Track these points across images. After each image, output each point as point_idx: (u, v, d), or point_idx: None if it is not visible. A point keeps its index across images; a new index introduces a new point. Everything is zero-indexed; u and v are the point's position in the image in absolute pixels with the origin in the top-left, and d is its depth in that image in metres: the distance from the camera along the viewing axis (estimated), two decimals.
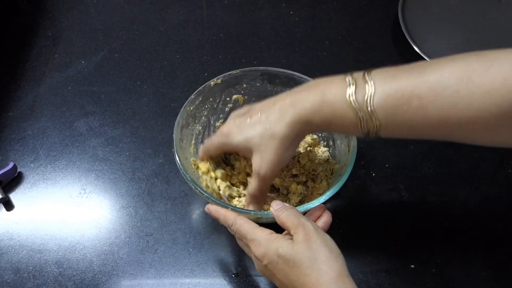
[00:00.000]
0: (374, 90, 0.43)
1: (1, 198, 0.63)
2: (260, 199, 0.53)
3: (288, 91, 0.51)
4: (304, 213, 0.50)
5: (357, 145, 0.56)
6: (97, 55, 0.81)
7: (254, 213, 0.51)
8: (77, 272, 0.59)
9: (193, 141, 0.62)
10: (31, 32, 0.84)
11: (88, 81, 0.77)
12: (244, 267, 0.59)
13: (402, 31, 0.79)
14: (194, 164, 0.59)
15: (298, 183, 0.60)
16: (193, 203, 0.64)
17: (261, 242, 0.45)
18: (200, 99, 0.61)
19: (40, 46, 0.82)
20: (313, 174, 0.61)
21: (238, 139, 0.51)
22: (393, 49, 0.81)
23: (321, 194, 0.57)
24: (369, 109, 0.43)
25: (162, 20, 0.86)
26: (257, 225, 0.47)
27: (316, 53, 0.81)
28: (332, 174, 0.61)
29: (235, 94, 0.65)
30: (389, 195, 0.65)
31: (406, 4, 0.83)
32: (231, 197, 0.58)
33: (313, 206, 0.51)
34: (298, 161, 0.61)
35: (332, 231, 0.48)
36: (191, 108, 0.60)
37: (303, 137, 0.53)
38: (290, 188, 0.60)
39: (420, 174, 0.67)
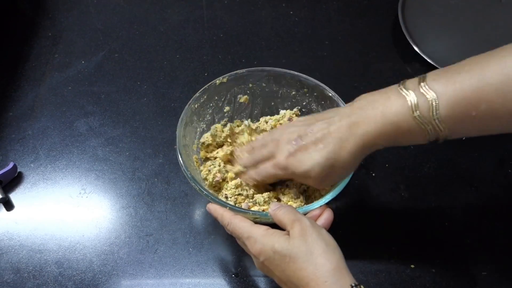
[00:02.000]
0: (437, 101, 0.42)
1: (1, 198, 0.63)
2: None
3: (338, 110, 0.50)
4: (305, 214, 0.50)
5: None
6: (97, 55, 0.81)
7: (252, 213, 0.51)
8: (77, 272, 0.59)
9: (196, 139, 0.62)
10: (31, 32, 0.84)
11: (88, 81, 0.77)
12: (244, 267, 0.59)
13: (402, 31, 0.79)
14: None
15: None
16: (193, 203, 0.64)
17: (257, 239, 0.45)
18: (205, 97, 0.61)
19: (40, 46, 0.82)
20: None
21: (299, 172, 0.50)
22: (393, 49, 0.81)
23: (327, 191, 0.57)
24: (436, 121, 0.42)
25: (162, 20, 0.86)
26: (252, 223, 0.47)
27: (316, 53, 0.81)
28: None
29: (240, 93, 0.65)
30: (389, 195, 0.65)
31: (406, 4, 0.83)
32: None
33: (313, 207, 0.51)
34: None
35: (332, 231, 0.48)
36: (196, 105, 0.61)
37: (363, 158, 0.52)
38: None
39: (420, 174, 0.67)
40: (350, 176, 0.54)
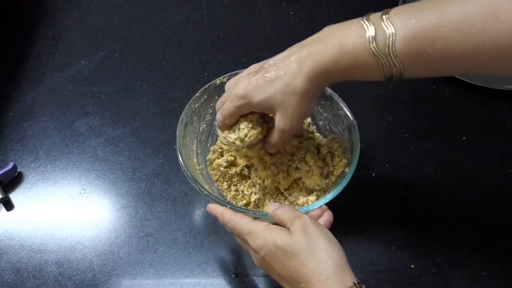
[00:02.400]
0: (395, 34, 0.41)
1: (1, 198, 0.63)
2: (280, 147, 0.54)
3: (301, 42, 0.49)
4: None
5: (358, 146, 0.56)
6: (97, 55, 0.81)
7: (252, 213, 0.51)
8: (77, 272, 0.59)
9: (197, 139, 0.62)
10: (31, 32, 0.84)
11: (88, 81, 0.77)
12: (244, 267, 0.59)
13: None
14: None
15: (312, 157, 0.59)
16: (193, 203, 0.64)
17: (258, 234, 0.45)
18: (205, 97, 0.61)
19: (40, 46, 0.82)
20: (331, 152, 0.60)
21: (259, 99, 0.49)
22: None
23: (341, 172, 0.57)
24: (391, 54, 0.42)
25: (162, 20, 0.86)
26: (253, 219, 0.47)
27: None
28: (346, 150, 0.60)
29: None
30: (389, 195, 0.65)
31: None
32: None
33: (313, 208, 0.51)
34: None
35: (332, 230, 0.47)
36: (196, 105, 0.61)
37: (324, 88, 0.51)
38: (307, 160, 0.59)
39: (420, 174, 0.67)
40: (350, 176, 0.54)
